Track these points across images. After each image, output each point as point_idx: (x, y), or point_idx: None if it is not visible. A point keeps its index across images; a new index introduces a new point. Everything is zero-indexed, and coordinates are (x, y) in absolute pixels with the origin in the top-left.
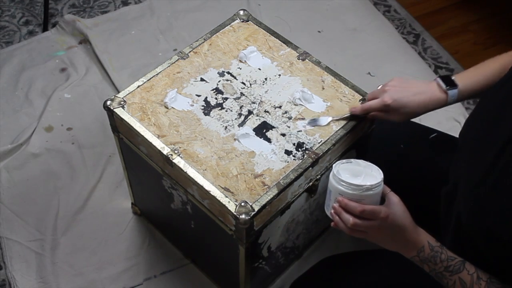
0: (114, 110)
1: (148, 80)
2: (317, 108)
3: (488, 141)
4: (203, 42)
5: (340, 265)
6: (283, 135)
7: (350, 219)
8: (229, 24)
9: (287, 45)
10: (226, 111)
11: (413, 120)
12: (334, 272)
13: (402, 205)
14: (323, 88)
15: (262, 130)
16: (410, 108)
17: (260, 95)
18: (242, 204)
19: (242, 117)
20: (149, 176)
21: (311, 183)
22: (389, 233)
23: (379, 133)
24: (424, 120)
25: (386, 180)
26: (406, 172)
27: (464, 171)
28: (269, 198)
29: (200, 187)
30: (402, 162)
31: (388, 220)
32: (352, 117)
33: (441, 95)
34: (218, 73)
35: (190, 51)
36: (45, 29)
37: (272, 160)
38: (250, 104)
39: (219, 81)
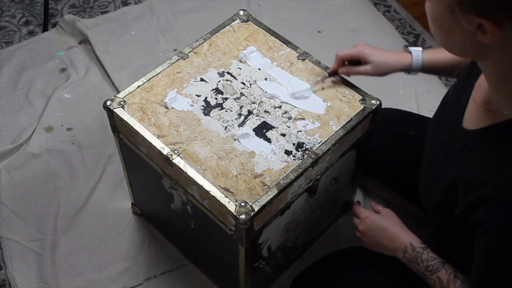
0: (114, 110)
1: (148, 80)
2: (316, 108)
3: (439, 129)
4: (203, 42)
5: (342, 260)
6: (283, 135)
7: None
8: (229, 24)
9: (287, 45)
10: (226, 111)
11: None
12: (336, 266)
13: (390, 212)
14: (323, 88)
15: (262, 130)
16: (378, 56)
17: (260, 95)
18: (242, 204)
19: (242, 117)
20: (149, 176)
21: (311, 183)
22: (372, 234)
23: (388, 121)
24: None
25: (396, 164)
26: (415, 156)
27: (425, 156)
28: (269, 198)
29: (200, 187)
30: (411, 147)
31: (367, 220)
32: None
33: (407, 53)
34: (218, 73)
35: (190, 51)
36: (45, 29)
37: (272, 160)
38: (250, 104)
39: (219, 81)
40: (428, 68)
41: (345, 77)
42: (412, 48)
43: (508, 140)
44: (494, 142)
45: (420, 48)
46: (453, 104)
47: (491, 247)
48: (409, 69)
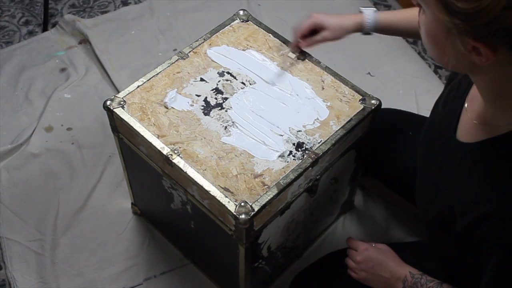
0: (114, 110)
1: (148, 80)
2: (316, 107)
3: (432, 141)
4: (203, 42)
5: (341, 260)
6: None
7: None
8: (229, 24)
9: (287, 45)
10: (226, 111)
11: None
12: (335, 266)
13: (387, 247)
14: (323, 88)
15: None
16: (333, 20)
17: None
18: (242, 204)
19: None
20: (149, 176)
21: (311, 183)
22: (372, 265)
23: (388, 121)
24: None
25: (396, 165)
26: (415, 156)
27: (418, 169)
28: (269, 198)
29: (200, 187)
30: (411, 147)
31: (367, 252)
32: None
33: (360, 14)
34: (218, 73)
35: (190, 51)
36: (45, 29)
37: (272, 160)
38: None
39: (219, 81)
40: (384, 28)
41: (315, 58)
42: (363, 8)
43: (506, 154)
44: (492, 156)
45: (374, 8)
46: (445, 116)
47: (500, 264)
48: (362, 29)
